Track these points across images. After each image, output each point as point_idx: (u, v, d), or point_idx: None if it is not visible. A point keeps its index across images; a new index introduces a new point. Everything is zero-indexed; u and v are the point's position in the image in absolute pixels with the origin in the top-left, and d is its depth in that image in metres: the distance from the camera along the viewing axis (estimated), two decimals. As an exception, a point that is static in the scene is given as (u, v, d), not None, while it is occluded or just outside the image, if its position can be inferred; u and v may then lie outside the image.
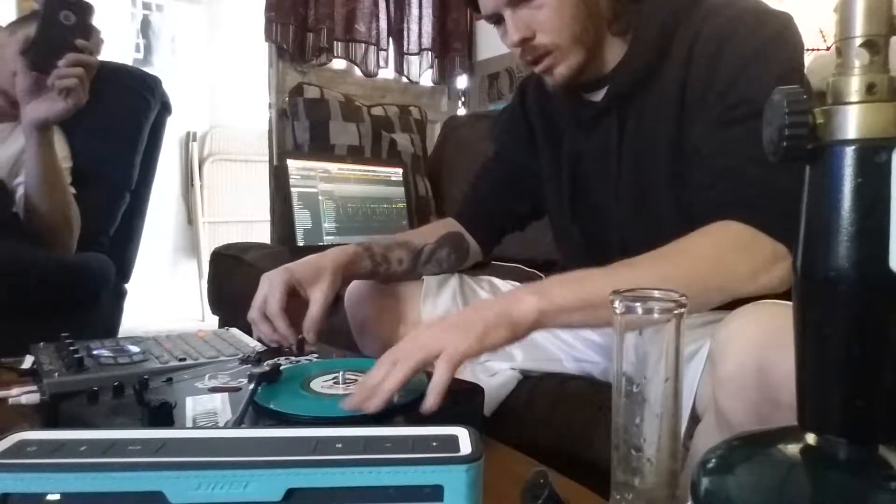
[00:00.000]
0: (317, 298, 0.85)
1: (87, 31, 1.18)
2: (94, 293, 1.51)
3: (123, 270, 1.73)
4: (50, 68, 1.16)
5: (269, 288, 0.84)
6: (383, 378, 0.62)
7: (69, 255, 1.43)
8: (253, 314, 0.85)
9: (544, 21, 0.80)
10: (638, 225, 0.87)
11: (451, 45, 2.55)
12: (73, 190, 1.47)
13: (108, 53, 1.75)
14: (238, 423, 0.56)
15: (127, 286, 1.74)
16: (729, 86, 0.74)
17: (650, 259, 0.69)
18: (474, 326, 0.65)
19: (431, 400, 0.61)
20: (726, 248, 0.69)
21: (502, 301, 0.68)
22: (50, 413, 0.66)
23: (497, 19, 0.85)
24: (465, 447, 0.34)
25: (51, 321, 1.36)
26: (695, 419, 0.72)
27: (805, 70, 0.78)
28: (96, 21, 1.20)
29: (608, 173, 0.88)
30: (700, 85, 0.77)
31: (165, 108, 1.82)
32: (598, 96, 0.88)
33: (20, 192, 1.32)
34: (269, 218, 2.22)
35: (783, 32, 0.75)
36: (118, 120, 1.72)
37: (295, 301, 0.86)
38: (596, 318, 0.69)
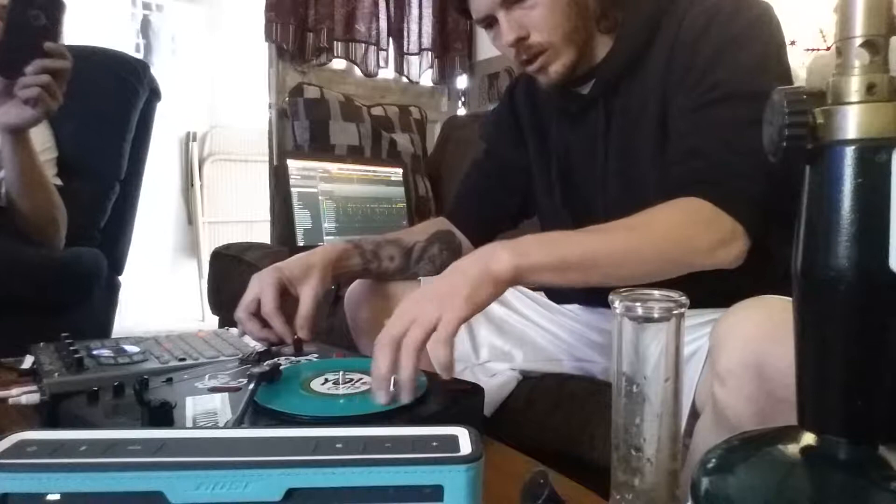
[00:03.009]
0: (307, 295, 0.85)
1: (58, 32, 1.10)
2: (87, 288, 1.49)
3: (116, 263, 1.70)
4: (18, 74, 1.09)
5: (261, 288, 0.84)
6: (390, 366, 0.62)
7: (58, 250, 1.40)
8: (240, 313, 0.84)
9: (538, 20, 0.82)
10: (624, 213, 0.88)
11: (451, 45, 2.55)
12: (58, 181, 1.44)
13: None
14: (238, 423, 0.56)
15: (122, 281, 1.72)
16: (705, 70, 0.77)
17: (621, 228, 0.72)
18: (461, 289, 0.65)
19: (446, 375, 0.63)
20: (689, 223, 0.72)
21: (479, 260, 0.69)
22: (50, 413, 0.66)
23: (489, 22, 0.86)
24: (465, 447, 0.34)
25: (43, 317, 1.35)
26: (694, 416, 0.73)
27: (788, 59, 0.80)
28: (96, 21, 1.17)
29: (594, 163, 0.90)
30: (680, 71, 0.79)
31: (155, 95, 1.77)
32: (586, 89, 0.90)
33: (3, 188, 1.29)
34: (269, 218, 2.22)
35: (760, 20, 0.77)
36: (105, 108, 1.67)
37: (286, 299, 0.86)
38: (567, 279, 0.71)
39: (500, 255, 0.68)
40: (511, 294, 1.08)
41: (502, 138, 1.08)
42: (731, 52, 0.75)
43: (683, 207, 0.72)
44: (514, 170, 1.06)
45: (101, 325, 1.62)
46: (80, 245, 1.50)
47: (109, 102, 1.68)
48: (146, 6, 3.46)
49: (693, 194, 0.72)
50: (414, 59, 2.50)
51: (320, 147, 2.00)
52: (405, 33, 2.46)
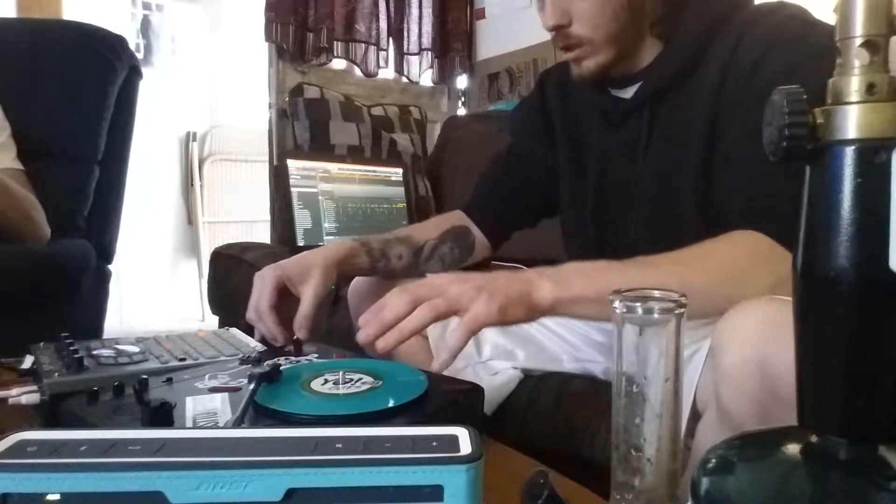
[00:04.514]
0: (307, 295, 0.84)
1: None
2: (74, 282, 1.46)
3: (105, 252, 1.65)
4: None
5: (261, 286, 0.84)
6: (399, 316, 0.61)
7: (44, 244, 1.35)
8: (250, 314, 0.85)
9: (583, 12, 0.79)
10: (656, 228, 0.85)
11: (451, 45, 2.55)
12: (18, 165, 1.37)
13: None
14: (238, 423, 0.56)
15: (122, 280, 1.71)
16: (764, 96, 0.72)
17: (670, 261, 0.68)
18: (499, 296, 0.64)
19: (445, 358, 0.62)
20: (745, 259, 0.69)
21: (522, 281, 0.68)
22: (50, 413, 0.66)
23: None
24: (465, 447, 0.34)
25: (32, 312, 1.33)
26: (695, 417, 0.72)
27: None
28: (96, 21, 1.14)
29: (632, 172, 0.86)
30: (737, 93, 0.75)
31: (135, 72, 1.69)
32: (628, 93, 0.86)
33: None
34: (269, 218, 2.22)
35: (827, 46, 0.73)
36: (78, 85, 1.58)
37: (288, 298, 0.85)
38: (607, 312, 0.69)
39: (542, 284, 0.67)
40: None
41: (529, 134, 1.04)
42: (793, 79, 0.72)
43: (739, 242, 0.69)
44: (540, 167, 1.03)
45: (92, 315, 1.59)
46: (65, 236, 1.46)
47: (83, 79, 1.59)
48: (146, 6, 3.46)
49: (749, 227, 0.69)
50: (414, 59, 2.49)
51: (320, 147, 2.00)
52: (405, 33, 2.46)
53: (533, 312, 0.67)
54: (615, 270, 0.69)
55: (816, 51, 0.71)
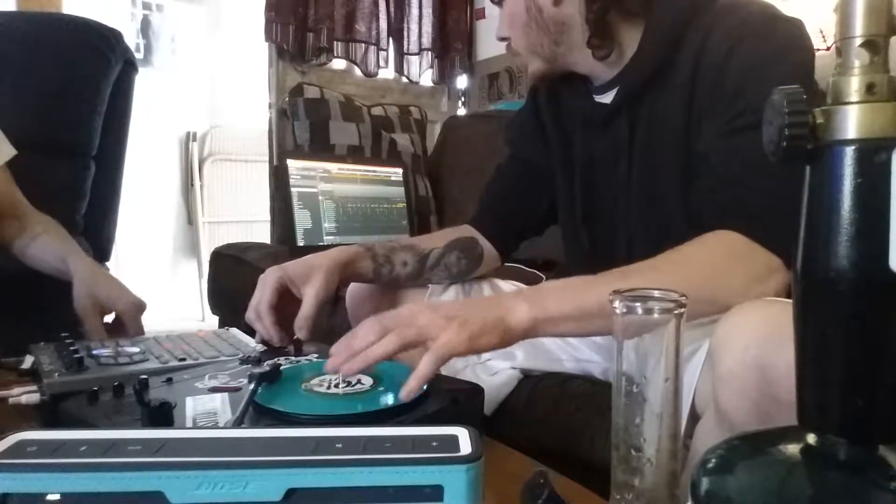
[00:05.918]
0: (309, 296, 0.85)
1: None
2: (70, 283, 1.46)
3: (102, 251, 1.63)
4: None
5: (262, 286, 0.85)
6: (368, 344, 0.63)
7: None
8: (249, 313, 0.85)
9: (508, 27, 0.86)
10: (646, 228, 0.86)
11: (451, 45, 2.55)
12: (13, 150, 1.31)
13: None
14: (238, 423, 0.56)
15: (111, 268, 1.67)
16: (736, 94, 0.74)
17: (645, 269, 0.69)
18: (471, 325, 0.65)
19: (412, 385, 0.61)
20: (721, 260, 0.69)
21: (498, 307, 0.68)
22: (50, 413, 0.66)
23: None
24: (465, 447, 0.34)
25: (31, 313, 1.30)
26: (694, 418, 0.72)
27: (814, 78, 0.76)
28: (97, 20, 1.12)
29: (618, 175, 0.88)
30: (708, 91, 0.77)
31: (130, 66, 1.65)
32: (609, 97, 0.88)
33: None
34: (269, 218, 2.22)
35: (793, 40, 0.74)
36: (71, 78, 1.54)
37: (289, 300, 0.86)
38: (588, 328, 0.70)
39: (519, 307, 0.67)
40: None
41: (526, 142, 1.06)
42: (760, 75, 0.72)
43: (714, 243, 0.70)
44: (541, 173, 1.04)
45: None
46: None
47: (77, 73, 1.56)
48: (146, 6, 3.46)
49: (726, 227, 0.70)
50: (414, 59, 2.49)
51: (320, 147, 2.00)
52: (405, 33, 2.46)
53: (507, 337, 0.67)
54: (590, 286, 0.69)
55: (779, 48, 0.73)
